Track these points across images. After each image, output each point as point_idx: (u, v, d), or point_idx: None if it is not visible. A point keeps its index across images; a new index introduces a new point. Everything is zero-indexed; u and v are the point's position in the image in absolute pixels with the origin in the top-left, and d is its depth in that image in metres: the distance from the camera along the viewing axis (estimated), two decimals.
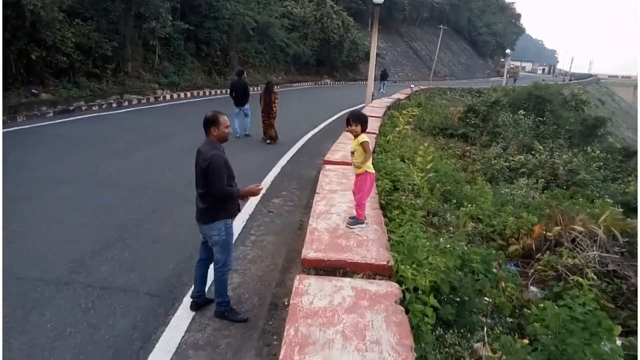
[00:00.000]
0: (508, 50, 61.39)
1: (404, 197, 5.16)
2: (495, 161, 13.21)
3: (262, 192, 4.15)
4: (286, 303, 3.99)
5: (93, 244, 5.02)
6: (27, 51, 15.19)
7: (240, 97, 12.32)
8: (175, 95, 21.09)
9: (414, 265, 3.11)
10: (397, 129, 8.76)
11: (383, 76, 34.68)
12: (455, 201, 6.20)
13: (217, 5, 26.57)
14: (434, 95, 28.74)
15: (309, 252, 3.24)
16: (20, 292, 3.94)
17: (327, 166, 6.00)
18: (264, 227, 5.92)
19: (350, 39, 41.92)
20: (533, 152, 15.52)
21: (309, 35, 37.84)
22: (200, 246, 3.98)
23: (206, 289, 4.08)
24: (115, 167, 8.16)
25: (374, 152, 7.50)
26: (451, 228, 5.41)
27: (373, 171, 4.20)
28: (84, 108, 15.35)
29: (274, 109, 11.61)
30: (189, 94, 22.08)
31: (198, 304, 3.98)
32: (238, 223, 5.90)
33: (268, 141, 11.71)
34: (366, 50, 43.24)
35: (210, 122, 3.68)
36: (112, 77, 19.93)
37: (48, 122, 12.44)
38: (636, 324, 3.66)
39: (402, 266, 3.06)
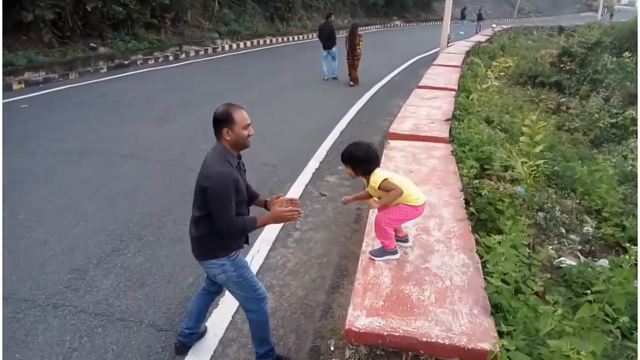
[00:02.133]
0: None
1: (499, 190, 3.77)
2: (598, 116, 11.04)
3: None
4: (332, 349, 2.90)
5: (103, 243, 4.15)
6: (82, 2, 14.59)
7: (326, 39, 12.57)
8: (234, 45, 20.04)
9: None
10: (484, 85, 7.10)
11: (463, 15, 31.44)
12: (564, 187, 4.70)
13: None
14: (518, 36, 25.48)
15: (358, 315, 2.02)
16: None
17: (393, 142, 4.60)
18: (312, 217, 4.80)
19: None
20: None
21: None
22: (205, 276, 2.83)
23: (202, 324, 2.98)
24: (151, 137, 7.28)
25: (453, 116, 6.01)
26: (563, 230, 3.97)
27: (420, 203, 2.54)
28: (139, 62, 14.72)
29: (358, 50, 11.82)
30: (249, 43, 20.94)
31: (186, 345, 2.88)
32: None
33: (351, 83, 12.14)
34: None
35: (222, 122, 2.43)
36: (171, 27, 19.18)
37: (99, 80, 11.88)
38: None
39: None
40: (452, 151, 4.22)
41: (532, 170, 3.54)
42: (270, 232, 4.43)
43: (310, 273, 3.81)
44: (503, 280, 2.44)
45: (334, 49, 12.69)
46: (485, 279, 2.37)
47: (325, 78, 12.77)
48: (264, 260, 3.98)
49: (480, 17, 31.77)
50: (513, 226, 3.04)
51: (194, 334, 2.90)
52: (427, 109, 5.99)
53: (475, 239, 2.77)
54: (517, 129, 6.73)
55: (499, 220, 3.55)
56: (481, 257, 2.59)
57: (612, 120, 10.80)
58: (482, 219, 3.70)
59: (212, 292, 2.86)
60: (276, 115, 8.85)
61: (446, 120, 5.36)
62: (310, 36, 26.58)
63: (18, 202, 4.92)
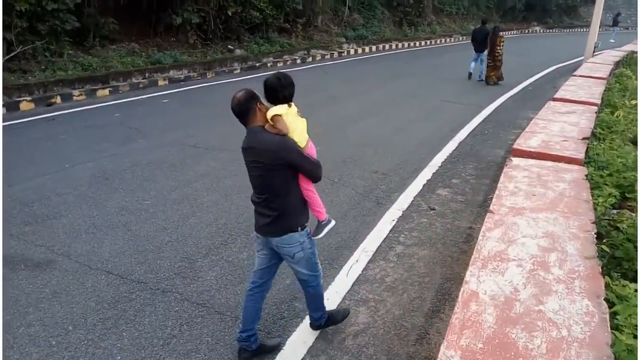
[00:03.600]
0: None
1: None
2: None
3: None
4: None
5: (214, 235, 4.37)
6: (224, 7, 15.84)
7: (480, 43, 13.27)
8: (360, 50, 20.21)
9: None
10: (634, 101, 6.11)
11: (615, 21, 27.95)
12: None
13: None
14: None
15: (452, 356, 1.77)
16: (112, 298, 3.46)
17: (516, 160, 4.12)
18: (417, 232, 4.55)
19: None
20: None
21: None
22: (256, 270, 2.93)
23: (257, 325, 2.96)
24: None
25: (592, 134, 5.29)
26: None
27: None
28: (269, 64, 15.53)
29: (499, 51, 12.55)
30: (374, 48, 20.97)
31: (247, 349, 2.86)
32: (386, 224, 4.65)
33: (490, 83, 12.88)
34: None
35: (254, 98, 2.59)
36: (301, 31, 20.01)
37: (232, 80, 12.76)
38: None
39: None
40: (586, 175, 3.67)
41: None
42: (372, 243, 4.30)
43: (409, 292, 3.59)
44: (635, 337, 2.03)
45: (485, 52, 13.18)
46: (612, 333, 1.98)
47: (469, 79, 13.59)
48: (362, 272, 3.86)
49: (615, 22, 27.93)
50: None
51: (253, 335, 2.88)
52: (561, 124, 5.35)
53: (605, 283, 2.34)
54: None
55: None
56: (610, 306, 2.17)
57: None
58: (616, 256, 3.16)
59: (262, 285, 2.93)
60: (391, 122, 8.66)
61: (583, 138, 4.72)
62: (438, 41, 25.84)
63: (148, 190, 5.42)
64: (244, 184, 5.68)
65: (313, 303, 3.00)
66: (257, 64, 15.18)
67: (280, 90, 2.67)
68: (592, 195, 3.55)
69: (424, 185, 5.70)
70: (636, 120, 5.88)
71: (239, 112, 2.59)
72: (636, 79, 11.15)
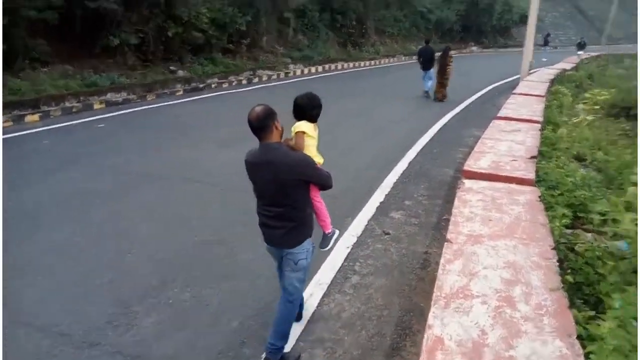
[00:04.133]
0: None
1: (599, 247, 3.12)
2: None
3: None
4: None
5: (151, 275, 3.95)
6: (164, 28, 15.36)
7: (427, 61, 13.91)
8: (306, 70, 20.23)
9: None
10: (575, 119, 6.31)
11: (546, 41, 29.78)
12: None
13: None
14: (607, 64, 23.62)
15: None
16: (32, 355, 2.98)
17: (468, 182, 4.04)
18: (373, 259, 4.34)
19: (503, 0, 37.03)
20: None
21: None
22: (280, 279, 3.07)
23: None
24: (216, 160, 7.19)
25: (539, 152, 5.35)
26: None
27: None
28: (213, 85, 15.17)
29: (448, 71, 13.16)
30: (320, 68, 21.08)
31: None
32: (340, 252, 4.41)
33: (438, 100, 13.34)
34: (521, 12, 38.03)
35: (271, 116, 2.73)
36: (246, 52, 19.76)
37: (174, 102, 12.30)
38: None
39: None
40: (539, 196, 3.62)
41: None
42: (326, 274, 4.04)
43: (367, 328, 3.35)
44: None
45: (431, 70, 13.85)
46: None
47: (427, 95, 14.07)
48: (317, 308, 3.59)
49: (546, 42, 29.95)
50: (623, 298, 2.42)
51: (280, 349, 2.90)
52: (508, 143, 5.38)
53: (574, 317, 2.20)
54: (614, 168, 5.91)
55: (600, 285, 2.93)
56: (583, 345, 2.02)
57: None
58: (577, 281, 3.08)
59: None
60: (340, 142, 8.52)
61: (531, 157, 4.74)
62: (382, 61, 26.38)
63: (79, 225, 4.92)
64: (186, 214, 5.34)
65: (281, 326, 2.93)
66: (201, 85, 14.76)
67: (309, 110, 3.08)
68: (548, 217, 3.48)
69: (377, 208, 5.53)
70: (579, 138, 6.05)
71: (257, 127, 2.70)
72: (571, 96, 11.73)
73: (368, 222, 5.14)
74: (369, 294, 3.77)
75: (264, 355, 2.91)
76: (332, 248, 3.28)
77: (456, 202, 3.53)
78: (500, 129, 6.19)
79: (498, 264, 2.65)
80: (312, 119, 3.08)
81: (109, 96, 12.11)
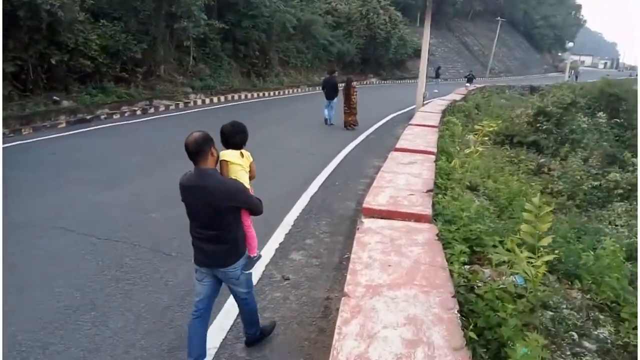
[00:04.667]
0: (570, 44, 56.18)
1: (497, 286, 3.01)
2: (580, 178, 10.68)
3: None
4: None
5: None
6: (47, 55, 13.98)
7: (331, 91, 14.35)
8: (208, 100, 19.59)
9: None
10: (467, 150, 6.53)
11: (437, 74, 32.01)
12: (567, 273, 3.99)
13: (256, 3, 25.01)
14: (492, 95, 25.90)
15: None
16: None
17: (367, 221, 3.83)
18: (270, 311, 3.93)
19: (398, 35, 39.52)
20: (624, 165, 12.77)
21: (354, 33, 35.80)
22: (200, 299, 3.16)
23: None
24: (95, 204, 6.37)
25: (435, 185, 5.36)
26: (575, 335, 3.21)
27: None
28: (103, 117, 13.99)
29: (353, 100, 13.82)
30: (222, 98, 20.55)
31: None
32: (233, 307, 3.93)
33: (348, 128, 13.91)
34: (415, 46, 40.75)
35: (207, 142, 2.88)
36: (142, 81, 18.64)
37: (55, 135, 11.05)
38: None
39: None
40: (437, 234, 3.49)
41: (542, 269, 2.83)
42: (216, 336, 3.54)
43: None
44: None
45: (335, 99, 14.37)
46: None
47: (328, 123, 14.46)
48: None
49: (438, 74, 32.39)
50: (526, 346, 2.28)
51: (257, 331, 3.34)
52: (406, 176, 5.34)
53: None
54: (504, 197, 6.14)
55: (502, 329, 2.80)
56: None
57: (596, 183, 10.43)
58: (478, 326, 2.93)
59: (207, 314, 3.19)
60: None
61: (427, 191, 4.70)
62: (286, 92, 26.51)
63: None
64: (51, 272, 4.50)
65: (249, 319, 3.32)
66: (88, 117, 13.55)
67: (232, 137, 3.25)
68: (446, 255, 3.34)
69: (276, 250, 5.17)
70: (471, 167, 6.23)
71: (193, 151, 2.81)
72: (461, 126, 12.44)
73: (266, 267, 4.75)
74: (262, 356, 3.34)
75: (245, 341, 3.33)
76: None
77: (355, 247, 3.28)
78: (398, 161, 6.19)
79: (398, 321, 2.39)
80: (237, 146, 3.26)
81: None
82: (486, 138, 7.49)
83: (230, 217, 2.94)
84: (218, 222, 2.91)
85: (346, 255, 4.91)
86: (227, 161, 3.16)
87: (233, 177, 3.14)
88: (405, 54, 42.33)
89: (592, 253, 4.15)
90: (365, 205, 4.18)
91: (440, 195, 4.96)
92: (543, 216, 2.88)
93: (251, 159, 3.42)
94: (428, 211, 3.99)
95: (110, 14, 17.49)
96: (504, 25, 58.46)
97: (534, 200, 2.95)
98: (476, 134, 6.40)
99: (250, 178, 3.40)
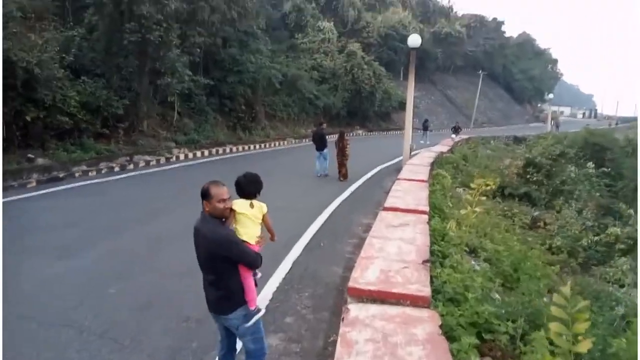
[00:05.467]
0: (551, 95, 57.94)
1: None
2: (579, 233, 10.19)
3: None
4: None
5: None
6: (22, 112, 13.51)
7: (319, 143, 14.46)
8: (191, 155, 19.11)
9: None
10: (463, 211, 6.00)
11: (425, 127, 32.10)
12: None
13: (242, 60, 25.25)
14: (477, 146, 25.90)
15: None
16: None
17: (354, 308, 3.08)
18: None
19: (383, 88, 40.25)
20: (620, 217, 12.38)
21: (339, 87, 36.33)
22: (221, 339, 3.42)
23: None
24: (45, 277, 5.61)
25: (431, 252, 4.76)
26: None
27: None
28: (77, 174, 13.34)
29: (346, 152, 13.96)
30: (207, 152, 20.11)
31: None
32: None
33: (341, 179, 13.91)
34: (399, 99, 41.39)
35: (202, 195, 3.13)
36: (124, 136, 18.17)
37: (22, 196, 10.32)
38: None
39: None
40: (440, 326, 2.86)
41: None
42: None
43: None
44: None
45: (325, 150, 14.41)
46: None
47: (318, 175, 14.49)
48: None
49: (425, 127, 32.51)
50: None
51: None
52: (398, 242, 4.75)
53: None
54: (507, 264, 5.55)
55: None
56: None
57: (596, 238, 9.93)
58: None
59: (230, 353, 3.46)
60: None
61: (423, 262, 4.10)
62: (273, 144, 26.25)
63: None
64: None
65: None
66: (62, 175, 12.89)
67: (244, 187, 3.38)
68: (453, 353, 2.69)
69: None
70: (467, 226, 5.68)
71: (200, 193, 3.11)
72: (450, 178, 12.05)
73: (237, 356, 4.00)
74: None
75: None
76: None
77: (339, 349, 2.61)
78: (388, 222, 5.62)
79: None
80: (250, 195, 3.39)
81: None
82: (484, 198, 6.98)
83: (223, 265, 3.08)
84: (212, 267, 3.10)
85: (332, 339, 4.22)
86: (234, 210, 3.24)
87: (238, 227, 3.25)
88: (390, 107, 42.96)
89: (624, 340, 3.51)
90: (351, 284, 3.53)
91: (438, 266, 4.37)
92: (578, 315, 2.27)
93: (264, 210, 3.48)
94: (426, 291, 3.36)
95: (92, 70, 17.28)
96: (484, 79, 60.25)
97: (563, 291, 2.36)
98: (472, 195, 5.89)
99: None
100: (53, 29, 16.61)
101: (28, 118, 13.64)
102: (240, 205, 3.30)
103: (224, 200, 3.09)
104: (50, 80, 13.85)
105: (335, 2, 45.25)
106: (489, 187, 5.94)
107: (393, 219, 5.80)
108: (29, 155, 13.86)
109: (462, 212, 5.96)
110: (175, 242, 7.06)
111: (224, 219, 3.18)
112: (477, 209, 5.82)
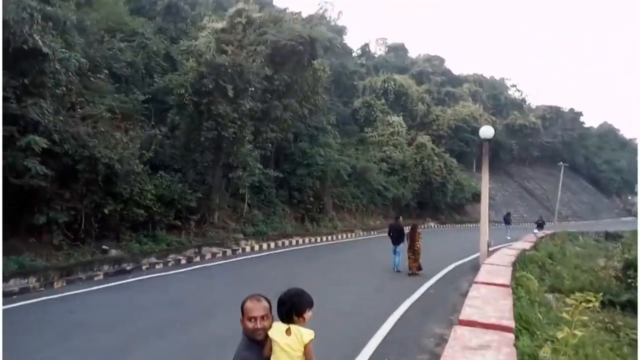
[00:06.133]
0: None
1: None
2: None
3: None
4: None
5: None
6: (101, 205, 14.20)
7: (396, 237, 14.28)
8: (257, 247, 19.00)
9: None
10: (560, 334, 4.90)
11: (507, 220, 30.17)
12: None
13: (311, 153, 25.90)
14: (564, 242, 23.62)
15: None
16: None
17: None
18: None
19: (455, 180, 39.30)
20: None
21: (409, 178, 35.92)
22: None
23: None
24: None
25: None
26: None
27: None
28: (145, 267, 13.44)
29: (418, 246, 13.77)
30: (273, 244, 19.92)
31: None
32: None
33: (413, 273, 13.55)
34: (473, 191, 39.99)
35: (243, 306, 2.75)
36: (195, 228, 18.55)
37: (87, 289, 10.37)
38: None
39: None
40: None
41: None
42: None
43: None
44: None
45: (401, 245, 14.17)
46: None
47: (395, 270, 14.14)
48: None
49: (507, 220, 30.40)
50: None
51: None
52: None
53: None
54: None
55: None
56: None
57: None
58: None
59: None
60: None
61: None
62: (340, 236, 25.70)
63: None
64: None
65: None
66: (129, 267, 13.04)
67: (280, 306, 2.81)
68: None
69: None
70: (566, 353, 4.57)
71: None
72: (537, 280, 10.65)
73: None
74: None
75: None
76: None
77: None
78: (464, 343, 4.68)
79: None
80: (288, 317, 2.77)
81: (12, 283, 10.15)
82: (585, 318, 5.81)
83: None
84: None
85: None
86: (270, 338, 2.71)
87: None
88: (463, 198, 41.47)
89: None
90: None
91: None
92: None
93: (305, 340, 2.72)
94: None
95: (170, 165, 18.24)
96: (565, 170, 57.30)
97: None
98: (568, 312, 4.85)
99: None
100: (139, 128, 18.09)
101: (106, 211, 14.28)
102: (274, 330, 2.71)
103: (254, 319, 2.65)
104: (129, 175, 14.63)
105: (405, 97, 46.32)
106: (590, 305, 4.88)
107: (470, 339, 4.85)
108: (104, 246, 14.33)
109: (559, 335, 4.86)
110: (223, 350, 6.46)
111: (259, 341, 2.68)
112: (577, 332, 4.73)
